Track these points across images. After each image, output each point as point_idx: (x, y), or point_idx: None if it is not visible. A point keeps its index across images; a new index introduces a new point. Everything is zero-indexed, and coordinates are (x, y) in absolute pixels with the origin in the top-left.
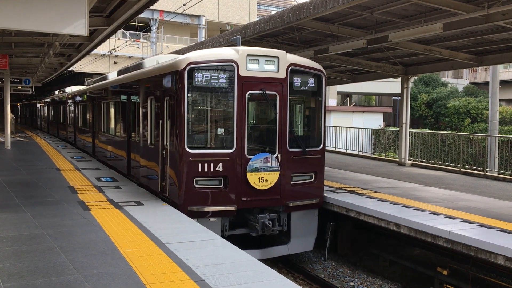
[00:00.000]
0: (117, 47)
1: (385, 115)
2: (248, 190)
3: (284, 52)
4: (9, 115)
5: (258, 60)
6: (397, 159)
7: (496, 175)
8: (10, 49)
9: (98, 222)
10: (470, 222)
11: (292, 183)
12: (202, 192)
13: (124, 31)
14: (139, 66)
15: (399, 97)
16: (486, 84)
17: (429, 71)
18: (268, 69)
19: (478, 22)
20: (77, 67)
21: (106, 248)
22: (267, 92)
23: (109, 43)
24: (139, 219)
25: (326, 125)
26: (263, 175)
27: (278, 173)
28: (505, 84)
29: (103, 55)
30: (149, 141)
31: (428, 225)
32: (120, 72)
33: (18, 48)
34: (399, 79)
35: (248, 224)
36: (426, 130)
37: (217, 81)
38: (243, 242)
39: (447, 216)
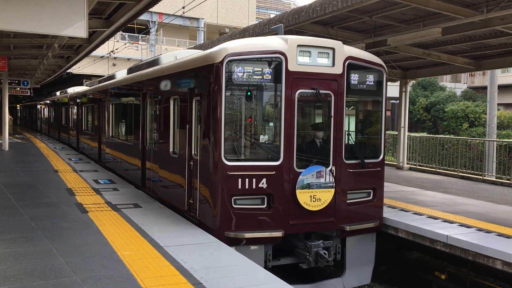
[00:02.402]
0: (116, 49)
1: None
2: (297, 211)
3: (340, 42)
4: (7, 117)
5: (310, 52)
6: (395, 163)
7: (494, 179)
8: (8, 50)
9: (96, 224)
10: (468, 227)
11: (348, 201)
12: (242, 213)
13: (123, 33)
14: (154, 62)
15: (397, 101)
16: (484, 88)
17: (427, 75)
18: (321, 63)
19: (477, 27)
20: (75, 69)
21: (103, 250)
22: (320, 91)
23: (108, 45)
24: (137, 222)
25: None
26: (315, 193)
27: (333, 190)
28: (503, 88)
29: (102, 57)
30: (171, 149)
31: (426, 229)
32: (130, 70)
33: (16, 50)
34: (398, 83)
35: (295, 252)
36: (424, 134)
37: (261, 77)
38: (284, 271)
39: (445, 220)
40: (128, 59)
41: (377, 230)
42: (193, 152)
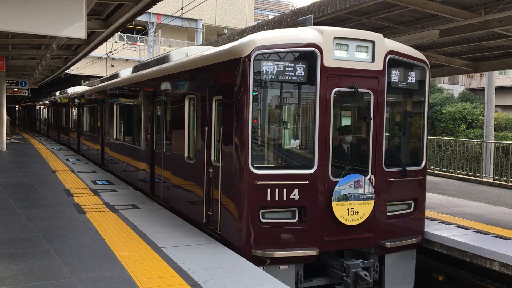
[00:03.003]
0: (114, 50)
1: None
2: (333, 226)
3: (381, 35)
4: (4, 117)
5: (347, 45)
6: None
7: (492, 181)
8: (6, 51)
9: (94, 225)
10: (466, 228)
11: (387, 214)
12: (271, 229)
13: (121, 34)
14: (164, 59)
15: None
16: (481, 90)
17: None
18: (360, 58)
19: (475, 29)
20: (74, 70)
21: (101, 251)
22: (359, 89)
23: (106, 46)
24: (135, 223)
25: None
26: (353, 206)
27: (372, 202)
28: (501, 90)
29: (100, 57)
30: (186, 154)
31: (425, 231)
32: (136, 69)
33: (14, 50)
34: None
35: (328, 272)
36: None
37: (292, 73)
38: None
39: (443, 222)
40: (127, 60)
41: (418, 247)
42: (212, 158)
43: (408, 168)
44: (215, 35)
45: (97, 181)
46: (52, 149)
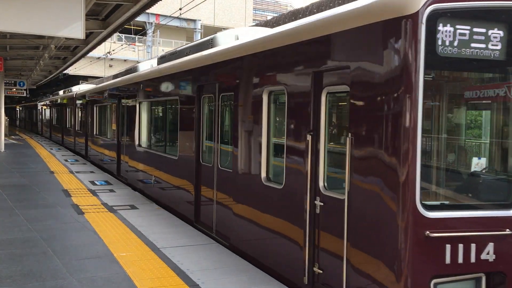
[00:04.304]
0: (113, 50)
1: None
2: None
3: None
4: (3, 118)
5: None
6: None
7: None
8: (4, 51)
9: (92, 226)
10: None
11: None
12: None
13: (120, 34)
14: (207, 44)
15: None
16: None
17: None
18: None
19: None
20: (72, 70)
21: (100, 252)
22: None
23: (104, 46)
24: (133, 223)
25: None
26: None
27: None
28: None
29: (99, 58)
30: (263, 174)
31: None
32: (163, 59)
33: (13, 50)
34: None
35: None
36: None
37: (483, 45)
38: None
39: None
40: (125, 60)
41: None
42: (321, 184)
43: None
44: None
45: (96, 182)
46: (50, 149)
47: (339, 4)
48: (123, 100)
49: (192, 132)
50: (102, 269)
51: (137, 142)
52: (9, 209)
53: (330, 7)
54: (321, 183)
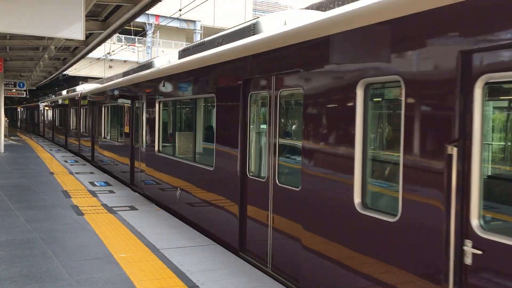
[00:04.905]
0: (113, 51)
1: None
2: None
3: None
4: (2, 118)
5: None
6: None
7: None
8: (4, 52)
9: (92, 227)
10: None
11: None
12: None
13: (120, 35)
14: (247, 31)
15: None
16: None
17: None
18: None
19: None
20: (72, 71)
21: (99, 253)
22: None
23: (104, 47)
24: (133, 224)
25: None
26: None
27: None
28: None
29: (98, 59)
30: (356, 199)
31: None
32: (186, 52)
33: (12, 51)
34: None
35: None
36: None
37: None
38: None
39: None
40: (125, 61)
41: None
42: (474, 223)
43: None
44: None
45: (95, 183)
46: (50, 150)
47: (342, 4)
48: (137, 100)
49: (234, 138)
50: (102, 270)
51: (158, 148)
52: (9, 210)
53: (331, 8)
54: (474, 221)
